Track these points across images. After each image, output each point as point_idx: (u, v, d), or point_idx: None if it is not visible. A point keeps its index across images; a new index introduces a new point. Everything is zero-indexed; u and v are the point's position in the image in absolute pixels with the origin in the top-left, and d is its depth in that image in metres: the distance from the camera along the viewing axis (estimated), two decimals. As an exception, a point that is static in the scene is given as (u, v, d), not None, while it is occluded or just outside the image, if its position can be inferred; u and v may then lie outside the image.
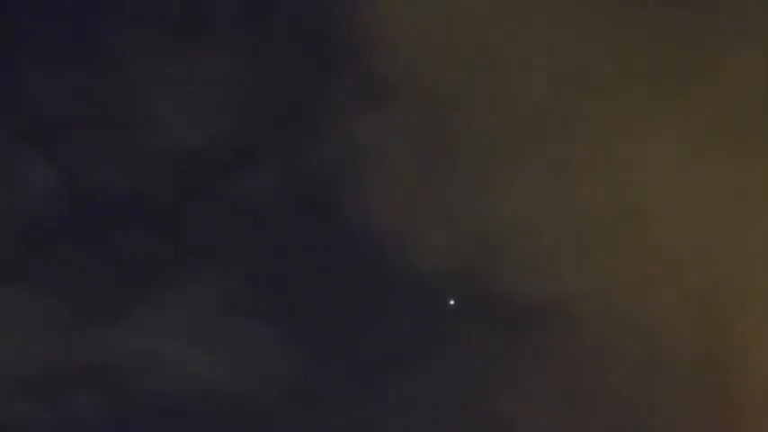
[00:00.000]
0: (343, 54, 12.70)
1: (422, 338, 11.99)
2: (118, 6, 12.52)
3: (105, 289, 12.03)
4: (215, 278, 12.13)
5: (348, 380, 11.85)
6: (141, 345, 11.81)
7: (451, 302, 12.15)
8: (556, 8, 12.63)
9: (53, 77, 12.45)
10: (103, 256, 12.16)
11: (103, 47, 12.57)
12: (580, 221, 12.28)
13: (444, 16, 12.72)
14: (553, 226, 12.30)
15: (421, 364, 11.86)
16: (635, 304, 11.98)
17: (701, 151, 12.33)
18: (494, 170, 12.47)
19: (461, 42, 12.77)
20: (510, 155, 12.49)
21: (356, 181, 12.42)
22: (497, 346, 11.97)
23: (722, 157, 12.30)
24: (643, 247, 12.16)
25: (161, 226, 12.35)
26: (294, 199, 12.47)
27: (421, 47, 12.73)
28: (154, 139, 12.47)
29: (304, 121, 12.65)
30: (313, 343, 12.01)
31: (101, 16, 12.50)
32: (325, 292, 12.19)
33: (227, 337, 11.95)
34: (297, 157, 12.52)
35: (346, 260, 12.26)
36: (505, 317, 12.03)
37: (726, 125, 12.39)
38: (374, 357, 11.92)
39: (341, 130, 12.59)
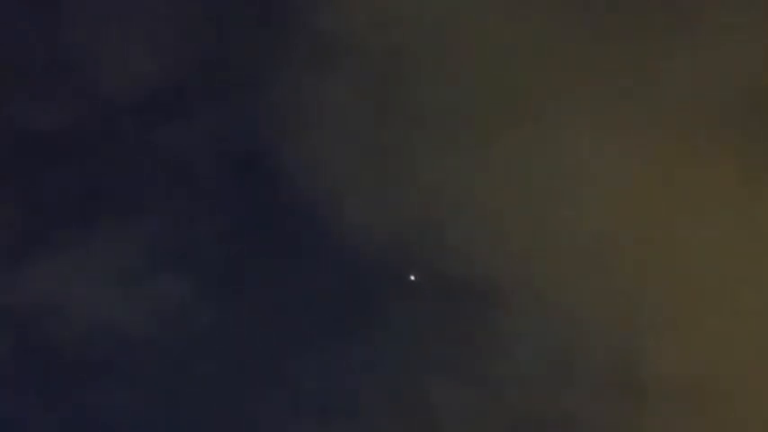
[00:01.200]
0: (289, 10, 12.56)
1: (345, 305, 11.82)
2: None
3: (22, 229, 11.86)
4: (138, 227, 11.92)
5: (267, 338, 11.65)
6: (56, 288, 11.62)
7: (411, 278, 11.95)
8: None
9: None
10: (23, 195, 11.98)
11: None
12: (521, 195, 12.19)
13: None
14: (494, 198, 12.16)
15: (342, 331, 11.74)
16: (562, 289, 11.85)
17: (636, 139, 12.28)
18: (437, 137, 12.35)
19: (410, 6, 12.65)
20: (453, 122, 12.38)
21: (294, 140, 12.22)
22: (422, 321, 11.83)
23: (657, 146, 12.27)
24: (579, 232, 12.03)
25: (86, 170, 12.13)
26: (227, 154, 12.31)
27: (370, 8, 12.60)
28: (85, 83, 12.28)
29: (244, 76, 12.48)
30: (234, 300, 11.81)
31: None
32: (251, 250, 12.01)
33: (145, 286, 11.73)
34: (234, 111, 12.36)
35: (275, 219, 12.07)
36: (436, 292, 11.92)
37: (660, 116, 12.35)
38: (295, 318, 11.74)
39: (282, 88, 12.41)
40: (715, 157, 12.11)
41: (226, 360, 11.56)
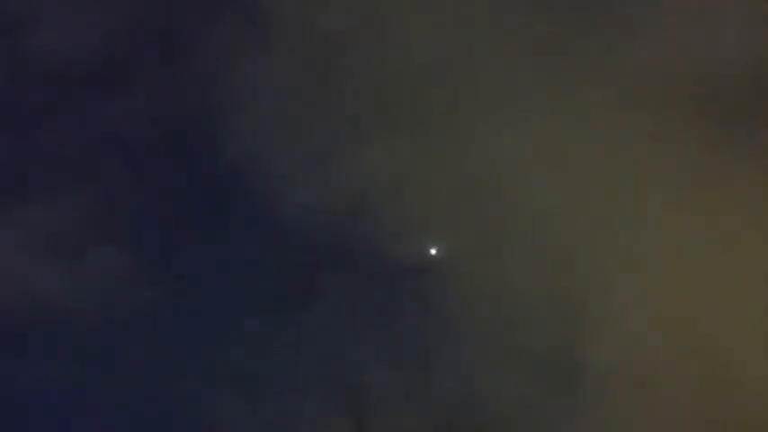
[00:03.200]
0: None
1: (280, 282, 11.80)
2: None
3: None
4: (72, 199, 11.82)
5: (201, 313, 11.66)
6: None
7: (432, 252, 11.91)
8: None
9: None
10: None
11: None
12: (454, 181, 12.16)
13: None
14: (432, 181, 12.16)
15: (273, 309, 11.70)
16: (501, 273, 11.86)
17: (575, 119, 12.27)
18: (375, 119, 12.27)
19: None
20: (392, 106, 12.31)
21: (231, 114, 12.13)
22: (356, 301, 11.82)
23: (597, 125, 12.24)
24: (518, 216, 12.03)
25: (21, 137, 12.00)
26: (163, 126, 12.17)
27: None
28: (17, 52, 12.14)
29: (184, 49, 12.37)
30: (169, 275, 11.78)
31: None
32: (187, 226, 11.95)
33: (79, 258, 11.67)
34: (172, 83, 12.24)
35: (208, 192, 12.06)
36: (367, 272, 11.87)
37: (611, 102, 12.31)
38: (229, 294, 11.74)
39: (222, 62, 12.33)
40: (668, 146, 12.10)
41: (159, 334, 11.54)
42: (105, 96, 12.13)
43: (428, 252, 11.91)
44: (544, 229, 11.89)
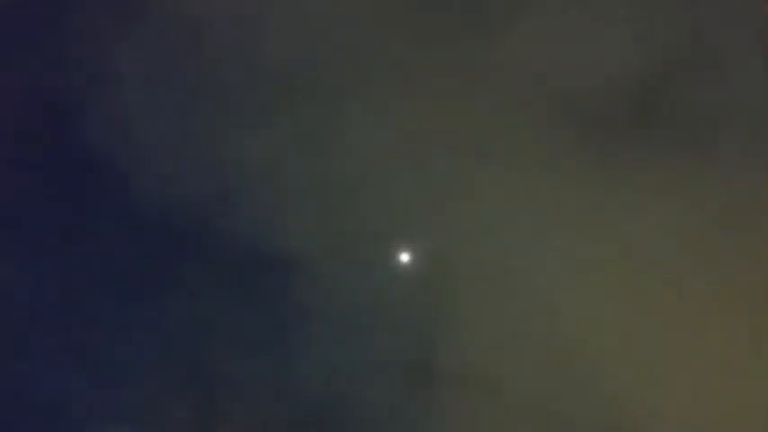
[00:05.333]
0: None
1: (143, 273, 11.68)
2: None
3: None
4: None
5: (49, 295, 11.49)
6: None
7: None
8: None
9: None
10: None
11: None
12: (322, 174, 12.08)
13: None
14: (293, 176, 12.07)
15: (129, 295, 11.57)
16: (362, 268, 11.86)
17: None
18: (242, 109, 12.20)
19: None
20: (261, 95, 12.22)
21: (106, 104, 11.98)
22: (221, 293, 11.71)
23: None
24: (383, 216, 12.00)
25: None
26: (19, 108, 12.01)
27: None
28: None
29: (46, 29, 12.18)
30: (25, 254, 11.60)
31: None
32: (38, 205, 11.78)
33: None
34: (30, 65, 12.06)
35: (66, 175, 11.90)
36: (228, 263, 11.74)
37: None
38: (83, 278, 11.58)
39: (94, 48, 12.16)
40: (528, 155, 12.10)
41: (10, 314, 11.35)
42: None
43: (291, 245, 11.80)
44: (407, 226, 11.88)
